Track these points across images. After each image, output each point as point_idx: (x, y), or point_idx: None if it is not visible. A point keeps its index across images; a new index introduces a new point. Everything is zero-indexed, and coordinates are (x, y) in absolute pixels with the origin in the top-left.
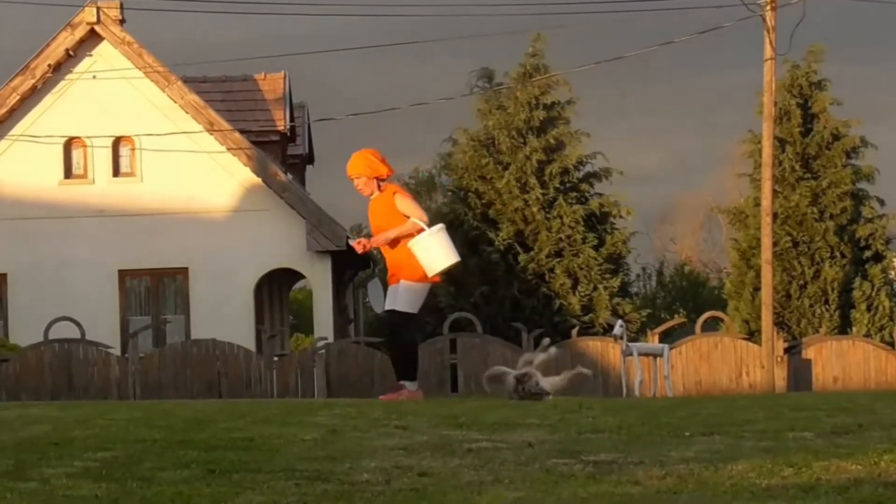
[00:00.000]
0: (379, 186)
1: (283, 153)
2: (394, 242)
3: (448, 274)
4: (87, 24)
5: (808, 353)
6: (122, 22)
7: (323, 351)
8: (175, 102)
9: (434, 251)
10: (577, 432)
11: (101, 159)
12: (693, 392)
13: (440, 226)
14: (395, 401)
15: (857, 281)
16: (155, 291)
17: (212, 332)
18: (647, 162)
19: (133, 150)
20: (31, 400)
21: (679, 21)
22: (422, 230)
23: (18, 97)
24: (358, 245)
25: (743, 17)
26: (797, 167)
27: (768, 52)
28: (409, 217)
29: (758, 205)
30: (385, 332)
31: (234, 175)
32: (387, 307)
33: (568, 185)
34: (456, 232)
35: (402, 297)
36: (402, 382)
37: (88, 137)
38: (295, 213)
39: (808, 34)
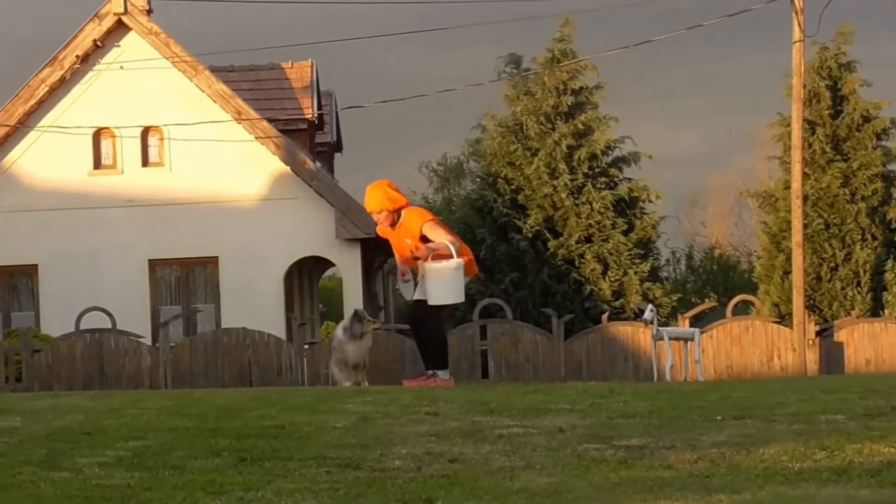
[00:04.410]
0: (399, 216)
1: (311, 141)
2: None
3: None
4: (115, 14)
5: (840, 335)
6: (149, 12)
7: None
8: (203, 92)
9: (446, 284)
10: (608, 417)
11: (129, 149)
12: (724, 376)
13: (460, 262)
14: (424, 387)
15: (889, 263)
16: (185, 281)
17: (242, 321)
18: (676, 146)
19: (161, 139)
20: (64, 390)
21: (708, 4)
22: (449, 257)
23: (47, 88)
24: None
25: None
26: (827, 149)
27: (797, 34)
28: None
29: (788, 187)
30: (409, 321)
31: (262, 164)
32: (415, 297)
33: (597, 170)
34: (485, 219)
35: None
36: (434, 371)
37: (117, 128)
38: (324, 201)
39: (836, 15)
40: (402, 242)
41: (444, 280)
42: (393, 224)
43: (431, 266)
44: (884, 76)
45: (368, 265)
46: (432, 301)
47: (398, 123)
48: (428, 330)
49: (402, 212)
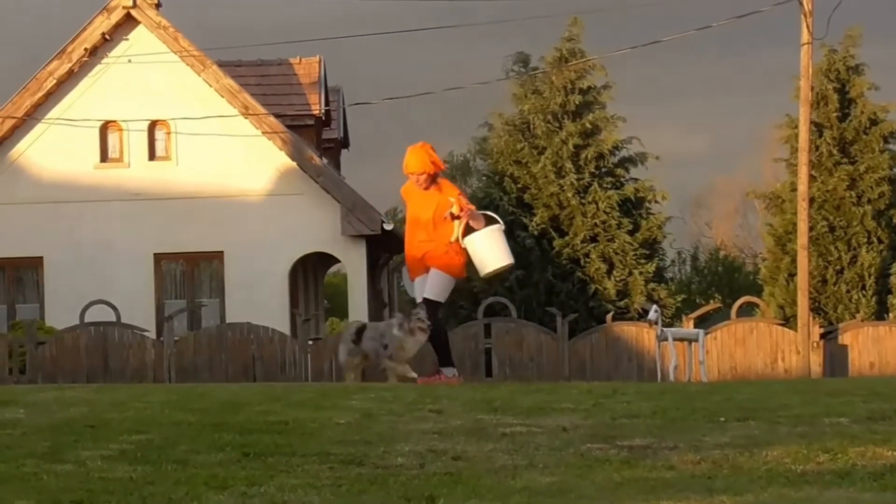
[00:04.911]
0: (435, 181)
1: (318, 137)
2: (435, 231)
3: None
4: (124, 7)
5: (845, 338)
6: (157, 6)
7: None
8: (210, 86)
9: (493, 249)
10: (612, 417)
11: (136, 143)
12: (728, 377)
13: (501, 225)
14: (428, 384)
15: (895, 266)
16: (190, 275)
17: (246, 316)
18: (683, 147)
19: (168, 133)
20: (68, 382)
21: (717, 4)
22: (486, 225)
23: (55, 81)
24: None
25: (781, 1)
26: (834, 152)
27: (805, 36)
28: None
29: (794, 189)
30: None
31: (269, 159)
32: (419, 298)
33: (603, 169)
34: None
35: (430, 285)
36: (440, 368)
37: (124, 121)
38: (330, 198)
39: (845, 17)
40: (433, 203)
41: (493, 245)
42: (427, 189)
43: (476, 235)
44: (892, 79)
45: (373, 262)
46: (487, 268)
47: (405, 120)
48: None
49: (438, 177)
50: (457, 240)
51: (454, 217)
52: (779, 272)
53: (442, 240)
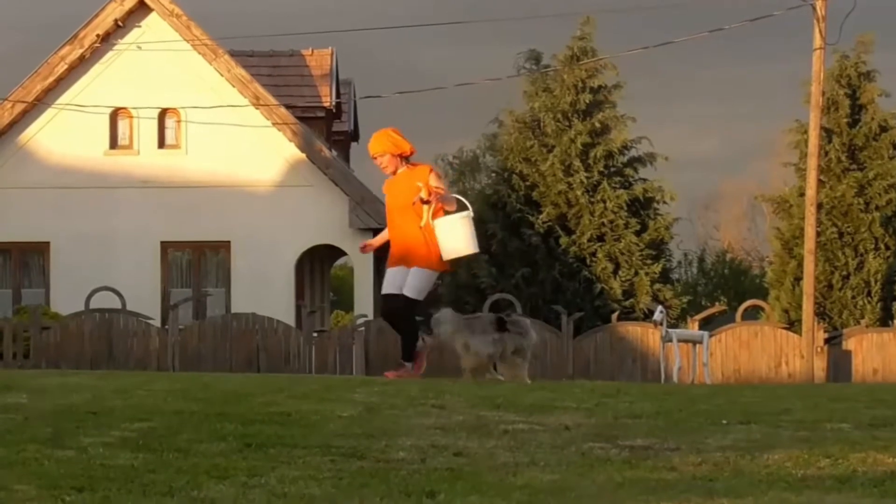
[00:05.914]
0: (404, 164)
1: (328, 129)
2: (413, 223)
3: (465, 259)
4: None
5: (849, 344)
6: None
7: (363, 328)
8: (222, 76)
9: (459, 235)
10: (614, 417)
11: (146, 131)
12: (731, 380)
13: (470, 212)
14: (400, 379)
15: None
16: (197, 264)
17: (252, 306)
18: (692, 148)
19: (179, 122)
20: (71, 368)
21: (730, 7)
22: (457, 210)
23: (66, 66)
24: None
25: (794, 5)
26: (843, 158)
27: (818, 41)
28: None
29: (802, 194)
30: (384, 314)
31: (278, 150)
32: (387, 291)
33: (612, 169)
34: (498, 214)
35: (411, 282)
36: (403, 362)
37: (135, 108)
38: (338, 190)
39: (858, 23)
40: (404, 187)
41: (459, 231)
42: (395, 172)
43: (442, 220)
44: None
45: (380, 256)
46: (449, 255)
47: (416, 115)
48: (403, 322)
49: (409, 160)
50: (427, 224)
51: (424, 202)
52: (785, 276)
53: (415, 233)
